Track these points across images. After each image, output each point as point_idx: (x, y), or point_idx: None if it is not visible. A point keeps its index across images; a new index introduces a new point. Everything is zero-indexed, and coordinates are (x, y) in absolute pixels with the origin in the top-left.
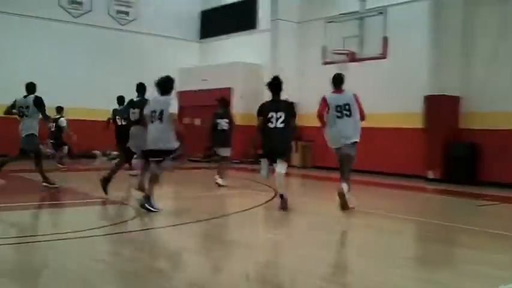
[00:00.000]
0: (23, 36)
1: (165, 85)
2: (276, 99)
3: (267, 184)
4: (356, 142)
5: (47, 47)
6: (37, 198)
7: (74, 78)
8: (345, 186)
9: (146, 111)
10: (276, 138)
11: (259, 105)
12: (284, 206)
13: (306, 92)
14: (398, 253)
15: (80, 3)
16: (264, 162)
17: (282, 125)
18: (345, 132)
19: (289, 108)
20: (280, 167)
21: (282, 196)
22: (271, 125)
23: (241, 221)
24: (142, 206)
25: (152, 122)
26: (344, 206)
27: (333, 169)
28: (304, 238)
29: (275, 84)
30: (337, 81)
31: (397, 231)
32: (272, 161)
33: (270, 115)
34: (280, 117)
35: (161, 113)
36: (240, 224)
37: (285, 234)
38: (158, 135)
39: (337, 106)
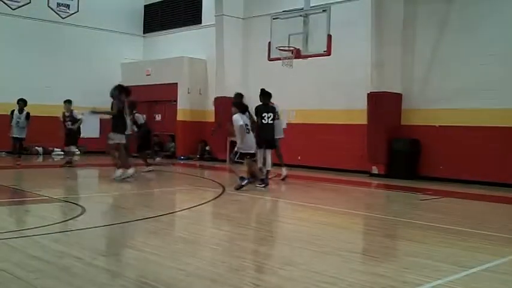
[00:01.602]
0: None
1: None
2: (266, 103)
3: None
4: None
5: None
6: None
7: (10, 71)
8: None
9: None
10: (269, 131)
11: (255, 107)
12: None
13: (251, 87)
14: (342, 246)
15: None
16: (260, 152)
17: (271, 122)
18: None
19: (274, 110)
20: (269, 152)
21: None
22: (264, 122)
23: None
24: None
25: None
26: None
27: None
28: (247, 232)
29: (268, 94)
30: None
31: (340, 225)
32: (266, 148)
33: (263, 115)
34: (270, 116)
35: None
36: (190, 220)
37: (229, 229)
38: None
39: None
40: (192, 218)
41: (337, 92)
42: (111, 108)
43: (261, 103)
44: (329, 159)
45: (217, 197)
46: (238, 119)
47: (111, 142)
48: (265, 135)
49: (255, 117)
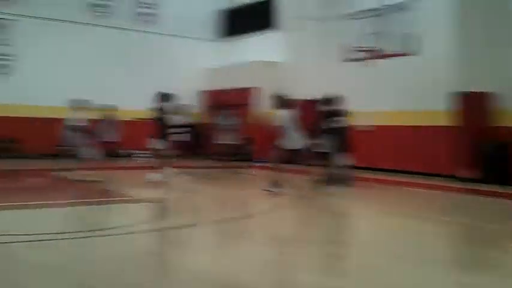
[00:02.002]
0: (50, 38)
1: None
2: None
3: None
4: None
5: (72, 49)
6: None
7: (99, 79)
8: None
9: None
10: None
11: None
12: None
13: (326, 90)
14: (435, 255)
15: (104, 6)
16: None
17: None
18: None
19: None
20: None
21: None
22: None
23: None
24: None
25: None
26: None
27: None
28: (332, 237)
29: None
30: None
31: (434, 232)
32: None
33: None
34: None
35: None
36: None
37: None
38: None
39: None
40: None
41: (417, 92)
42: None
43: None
44: (408, 162)
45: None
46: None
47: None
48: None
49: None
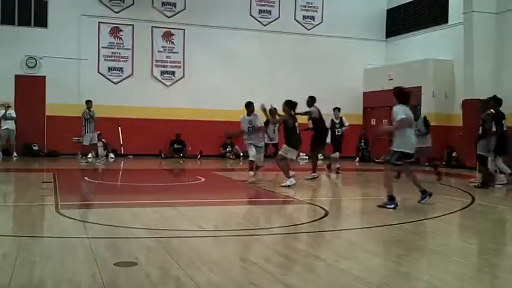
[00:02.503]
0: (218, 46)
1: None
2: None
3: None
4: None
5: (240, 55)
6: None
7: (272, 84)
8: None
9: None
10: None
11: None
12: None
13: (505, 86)
14: None
15: (269, 12)
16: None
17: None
18: None
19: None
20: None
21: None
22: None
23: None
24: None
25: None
26: None
27: None
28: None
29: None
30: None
31: None
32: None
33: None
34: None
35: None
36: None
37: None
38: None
39: None
40: (438, 228)
41: None
42: None
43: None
44: None
45: (466, 207)
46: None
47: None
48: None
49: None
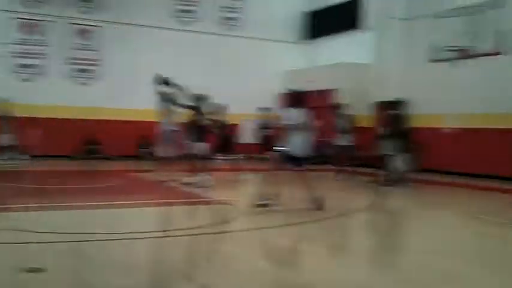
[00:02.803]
0: (138, 44)
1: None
2: None
3: None
4: None
5: (160, 54)
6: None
7: (191, 84)
8: None
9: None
10: None
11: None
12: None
13: (412, 91)
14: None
15: (189, 12)
16: None
17: None
18: None
19: None
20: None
21: None
22: None
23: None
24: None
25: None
26: None
27: (448, 173)
28: (418, 244)
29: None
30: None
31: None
32: None
33: None
34: None
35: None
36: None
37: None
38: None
39: None
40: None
41: (510, 93)
42: None
43: None
44: (498, 166)
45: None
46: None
47: None
48: None
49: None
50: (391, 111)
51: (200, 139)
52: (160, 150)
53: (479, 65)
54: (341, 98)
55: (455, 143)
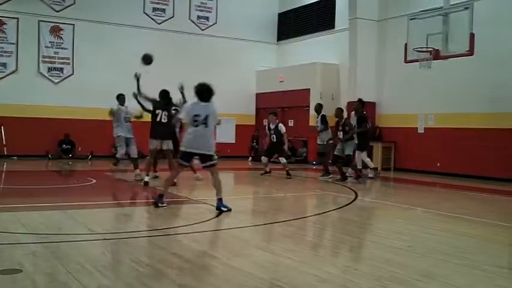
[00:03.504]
0: (110, 43)
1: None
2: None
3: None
4: None
5: (133, 53)
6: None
7: (165, 82)
8: None
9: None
10: None
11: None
12: None
13: (385, 91)
14: (488, 260)
15: (163, 10)
16: None
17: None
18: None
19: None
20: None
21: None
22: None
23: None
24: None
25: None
26: None
27: (416, 171)
28: (387, 242)
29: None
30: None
31: (488, 238)
32: None
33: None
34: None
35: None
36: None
37: (363, 237)
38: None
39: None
40: (323, 224)
41: (480, 93)
42: None
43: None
44: (473, 166)
45: (350, 203)
46: None
47: None
48: None
49: None
50: (356, 112)
51: (168, 137)
52: (122, 150)
53: (451, 66)
54: (313, 98)
55: (428, 142)
